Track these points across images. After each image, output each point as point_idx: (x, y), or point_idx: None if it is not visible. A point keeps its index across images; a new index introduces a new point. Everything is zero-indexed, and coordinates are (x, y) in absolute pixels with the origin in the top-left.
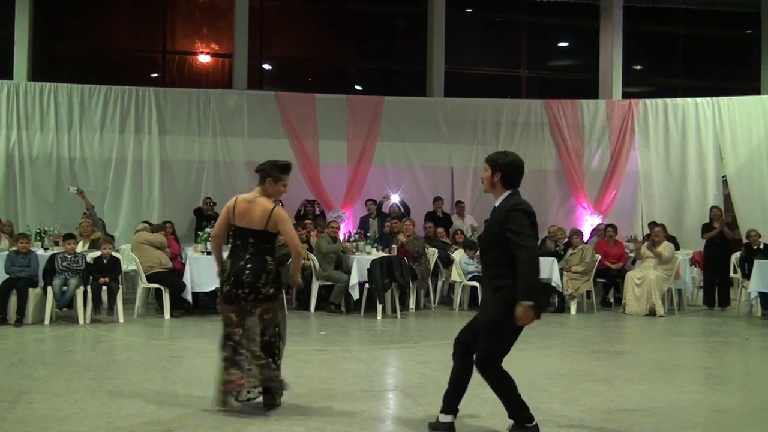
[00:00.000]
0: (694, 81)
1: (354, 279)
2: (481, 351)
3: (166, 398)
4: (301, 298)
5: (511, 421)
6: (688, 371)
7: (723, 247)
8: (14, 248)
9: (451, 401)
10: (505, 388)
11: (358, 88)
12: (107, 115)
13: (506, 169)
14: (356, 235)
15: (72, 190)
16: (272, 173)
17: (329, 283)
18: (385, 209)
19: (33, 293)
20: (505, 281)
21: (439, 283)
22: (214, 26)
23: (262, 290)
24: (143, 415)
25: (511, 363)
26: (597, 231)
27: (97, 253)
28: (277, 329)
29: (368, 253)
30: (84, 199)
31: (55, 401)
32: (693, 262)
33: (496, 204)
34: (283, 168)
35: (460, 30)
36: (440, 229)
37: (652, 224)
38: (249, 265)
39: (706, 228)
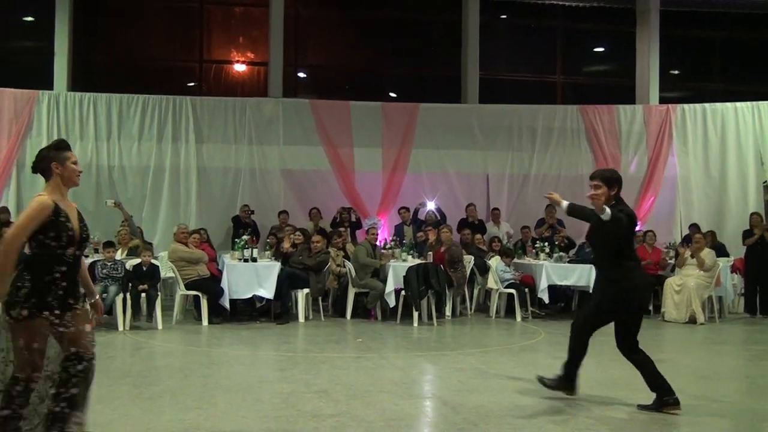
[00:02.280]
0: (733, 85)
1: (390, 286)
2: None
3: (206, 405)
4: (337, 306)
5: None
6: (729, 380)
7: (764, 254)
8: None
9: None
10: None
11: (393, 95)
12: (145, 124)
13: (619, 182)
14: (392, 243)
15: (109, 203)
16: (54, 157)
17: (365, 290)
18: (421, 216)
19: None
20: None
21: (476, 291)
22: (249, 35)
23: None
24: (183, 421)
25: (548, 372)
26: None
27: (137, 261)
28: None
29: (404, 261)
30: (122, 210)
31: (96, 407)
32: (734, 269)
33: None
34: (58, 145)
35: (494, 36)
36: (478, 236)
37: (693, 227)
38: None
39: (747, 234)
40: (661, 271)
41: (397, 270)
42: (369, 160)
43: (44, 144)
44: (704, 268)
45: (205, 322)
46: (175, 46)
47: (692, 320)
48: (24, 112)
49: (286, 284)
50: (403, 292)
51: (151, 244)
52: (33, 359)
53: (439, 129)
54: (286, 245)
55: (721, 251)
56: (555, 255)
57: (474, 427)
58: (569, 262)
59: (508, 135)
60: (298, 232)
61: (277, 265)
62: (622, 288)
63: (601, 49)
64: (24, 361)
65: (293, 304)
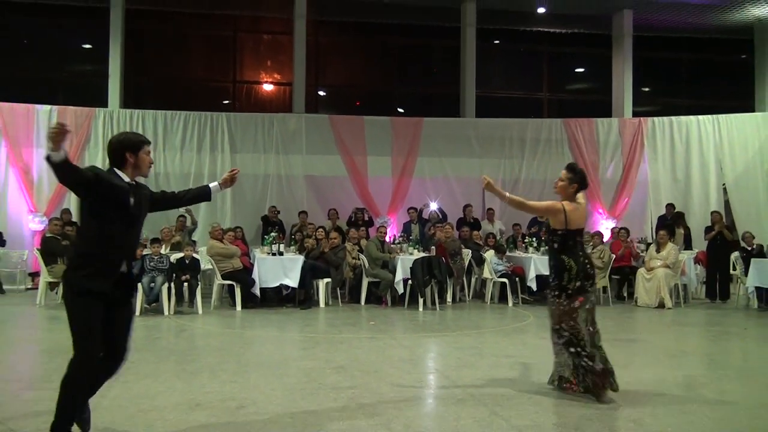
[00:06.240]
0: (697, 100)
1: (399, 276)
2: None
3: (239, 378)
4: (352, 294)
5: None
6: (693, 357)
7: (723, 247)
8: None
9: None
10: None
11: (401, 110)
12: (186, 137)
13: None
14: (400, 238)
15: (182, 210)
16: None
17: (377, 280)
18: (425, 215)
19: None
20: None
21: (473, 280)
22: (276, 59)
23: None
24: (220, 392)
25: (535, 350)
26: (612, 233)
27: (180, 255)
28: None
29: (411, 254)
30: (191, 216)
31: (145, 381)
32: (697, 260)
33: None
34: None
35: (489, 59)
36: (476, 232)
37: (661, 222)
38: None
39: (708, 230)
40: (633, 262)
41: (404, 262)
42: (380, 166)
43: (101, 154)
44: (668, 263)
45: (238, 307)
46: (212, 69)
47: (661, 305)
48: (83, 127)
49: (309, 274)
50: (410, 282)
51: (195, 242)
52: None
53: (441, 140)
54: (309, 242)
55: (687, 234)
56: (542, 248)
57: (471, 397)
58: None
59: (501, 145)
60: (320, 229)
61: (301, 258)
62: None
63: (581, 70)
64: None
65: (315, 291)
